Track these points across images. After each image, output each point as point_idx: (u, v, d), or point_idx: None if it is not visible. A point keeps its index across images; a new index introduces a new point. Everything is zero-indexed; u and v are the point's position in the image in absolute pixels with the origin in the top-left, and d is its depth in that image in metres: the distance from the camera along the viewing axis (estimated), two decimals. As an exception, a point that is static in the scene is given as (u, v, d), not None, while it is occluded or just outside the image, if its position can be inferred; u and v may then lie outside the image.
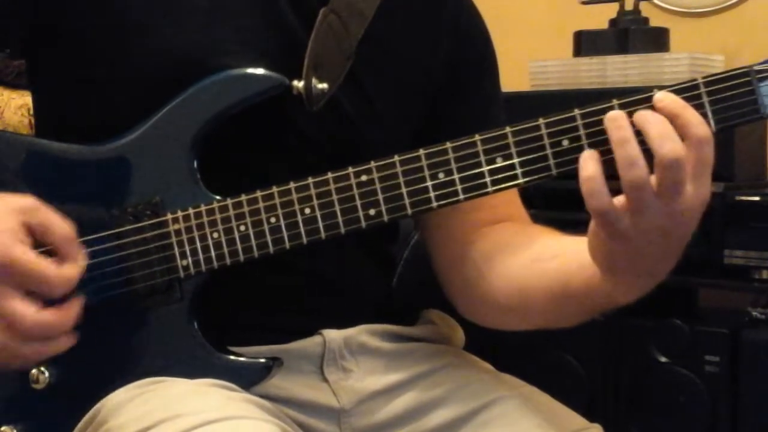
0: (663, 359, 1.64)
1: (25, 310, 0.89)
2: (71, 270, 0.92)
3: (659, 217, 0.85)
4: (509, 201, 1.13)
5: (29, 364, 0.96)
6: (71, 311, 0.93)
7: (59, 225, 0.93)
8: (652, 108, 0.87)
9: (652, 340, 1.65)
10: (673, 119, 0.86)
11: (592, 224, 0.89)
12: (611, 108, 0.89)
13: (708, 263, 1.59)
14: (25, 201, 0.92)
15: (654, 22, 1.92)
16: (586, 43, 1.90)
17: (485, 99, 1.17)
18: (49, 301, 0.91)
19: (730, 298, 1.77)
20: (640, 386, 1.66)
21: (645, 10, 1.92)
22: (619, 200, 0.86)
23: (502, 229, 1.11)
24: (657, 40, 1.86)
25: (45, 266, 0.90)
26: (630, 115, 0.87)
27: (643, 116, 0.86)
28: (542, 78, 1.90)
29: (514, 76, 1.75)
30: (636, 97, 0.89)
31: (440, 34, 1.13)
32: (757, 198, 1.57)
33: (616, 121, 0.87)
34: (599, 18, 1.93)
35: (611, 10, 1.91)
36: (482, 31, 1.18)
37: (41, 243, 0.92)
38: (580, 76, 1.84)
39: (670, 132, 0.85)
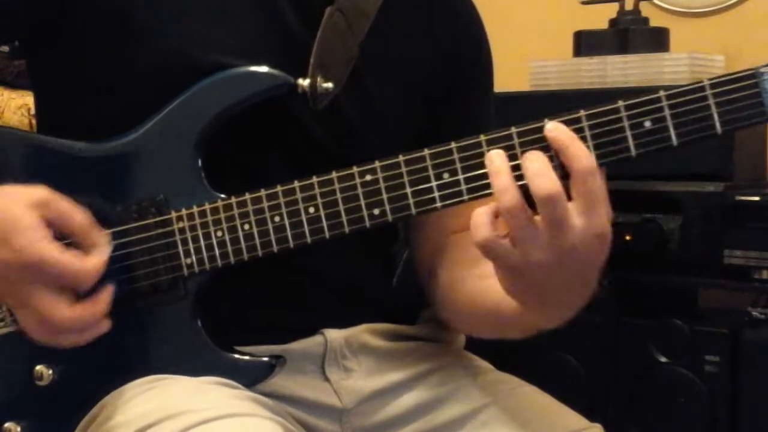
0: (663, 359, 1.64)
1: (56, 308, 0.91)
2: (94, 260, 0.94)
3: (549, 252, 0.86)
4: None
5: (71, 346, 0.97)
6: (101, 302, 0.94)
7: (76, 214, 0.94)
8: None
9: (652, 340, 1.65)
10: (559, 152, 0.87)
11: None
12: (617, 110, 0.89)
13: (708, 263, 1.59)
14: (39, 193, 0.93)
15: (654, 22, 1.92)
16: (586, 43, 1.89)
17: (482, 100, 1.18)
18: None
19: (730, 298, 1.78)
20: (640, 386, 1.66)
21: (645, 10, 1.92)
22: (503, 232, 0.87)
23: (464, 237, 1.11)
24: (657, 40, 1.86)
25: (70, 262, 0.91)
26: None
27: (525, 155, 0.88)
28: (542, 78, 1.90)
29: (514, 76, 1.76)
30: (643, 98, 0.89)
31: (438, 34, 1.13)
32: (757, 198, 1.57)
33: (490, 157, 0.89)
34: (599, 18, 1.93)
35: (611, 10, 1.91)
36: (480, 33, 1.19)
37: (62, 234, 0.93)
38: (580, 76, 1.84)
39: (544, 169, 0.86)
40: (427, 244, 1.15)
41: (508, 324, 0.98)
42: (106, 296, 0.95)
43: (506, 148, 0.92)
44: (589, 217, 0.85)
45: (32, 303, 0.91)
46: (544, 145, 0.89)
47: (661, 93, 0.89)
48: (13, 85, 2.13)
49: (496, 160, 0.88)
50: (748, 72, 0.88)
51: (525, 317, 0.93)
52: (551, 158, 0.88)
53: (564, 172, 0.87)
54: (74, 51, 1.04)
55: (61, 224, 0.93)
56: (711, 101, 0.88)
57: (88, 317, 0.93)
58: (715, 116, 0.88)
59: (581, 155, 0.86)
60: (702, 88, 0.88)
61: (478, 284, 1.02)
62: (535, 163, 0.87)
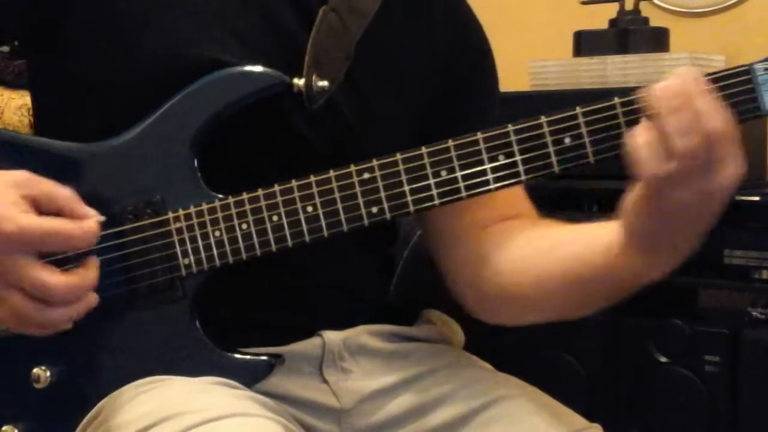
0: (663, 359, 1.64)
1: (51, 276, 0.88)
2: (91, 222, 0.91)
3: (696, 193, 0.85)
4: (517, 198, 1.12)
5: (57, 329, 0.93)
6: (93, 268, 0.92)
7: (60, 189, 0.92)
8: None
9: (652, 340, 1.65)
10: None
11: (634, 200, 0.88)
12: (612, 107, 0.89)
13: (708, 263, 1.59)
14: (20, 174, 0.91)
15: (654, 22, 1.92)
16: (586, 43, 1.90)
17: (488, 97, 1.18)
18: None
19: (730, 298, 1.77)
20: (640, 386, 1.66)
21: (645, 10, 1.92)
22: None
23: (512, 224, 1.10)
24: (657, 40, 1.87)
25: (61, 223, 0.89)
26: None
27: (688, 93, 0.85)
28: (542, 78, 1.90)
29: (514, 76, 1.75)
30: (638, 96, 0.89)
31: (439, 35, 1.13)
32: (757, 198, 1.57)
33: (665, 90, 0.85)
34: (599, 18, 1.93)
35: (611, 10, 1.92)
36: (480, 31, 1.19)
37: (47, 212, 0.91)
38: (580, 76, 1.84)
39: (721, 108, 0.85)
40: (461, 242, 1.12)
41: (595, 285, 0.97)
42: (95, 262, 0.92)
43: (503, 146, 0.92)
44: (736, 162, 0.85)
45: (23, 276, 0.88)
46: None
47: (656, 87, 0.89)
48: (13, 85, 2.13)
49: (671, 94, 0.84)
50: (742, 68, 0.89)
51: (628, 268, 0.92)
52: None
53: None
54: (71, 51, 1.04)
55: (46, 202, 0.91)
56: None
57: (81, 283, 0.90)
58: None
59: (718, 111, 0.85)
60: None
61: (555, 254, 1.01)
62: (706, 101, 0.84)
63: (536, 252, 1.04)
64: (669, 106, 0.84)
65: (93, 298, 0.93)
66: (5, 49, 1.99)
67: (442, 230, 1.14)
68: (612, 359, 1.70)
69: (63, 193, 0.92)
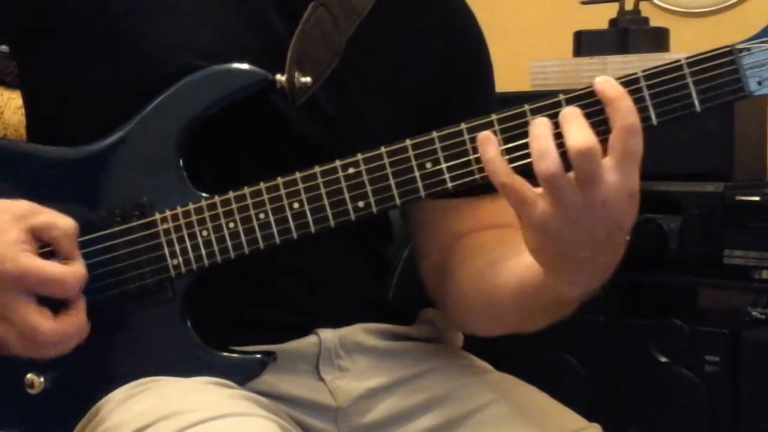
0: (663, 359, 1.64)
1: (43, 322, 0.90)
2: (81, 267, 0.93)
3: (579, 208, 0.85)
4: (495, 208, 1.11)
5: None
6: (80, 311, 0.94)
7: (60, 219, 0.93)
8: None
9: (652, 340, 1.65)
10: (606, 104, 0.87)
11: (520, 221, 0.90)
12: (592, 93, 0.89)
13: (708, 263, 1.59)
14: (22, 204, 0.93)
15: (654, 22, 1.92)
16: (586, 43, 1.89)
17: (486, 97, 1.17)
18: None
19: (730, 298, 1.77)
20: (640, 386, 1.66)
21: (645, 10, 1.92)
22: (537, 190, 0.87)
23: (478, 236, 1.11)
24: (657, 40, 1.86)
25: (57, 268, 0.91)
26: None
27: (563, 114, 0.87)
28: (542, 78, 1.90)
29: (514, 76, 1.75)
30: (585, 90, 0.90)
31: (434, 36, 1.13)
32: (757, 198, 1.57)
33: (533, 123, 0.88)
34: (599, 18, 1.93)
35: (611, 10, 1.91)
36: (477, 30, 1.19)
37: (44, 243, 0.93)
38: (580, 76, 1.84)
39: (582, 125, 0.86)
40: (436, 251, 1.14)
41: (532, 301, 0.97)
42: (83, 304, 0.94)
43: None
44: (622, 174, 0.85)
45: (16, 316, 0.90)
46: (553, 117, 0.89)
47: (639, 73, 0.89)
48: (13, 85, 2.12)
49: (537, 125, 0.88)
50: (724, 49, 0.89)
51: (548, 287, 0.93)
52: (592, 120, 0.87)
53: (601, 131, 0.87)
54: (68, 53, 1.04)
55: (45, 231, 0.92)
56: (689, 79, 0.88)
57: (72, 328, 0.92)
58: (694, 94, 0.88)
59: (627, 112, 0.86)
60: (680, 67, 0.89)
61: (495, 269, 1.02)
62: (572, 120, 0.86)
63: (483, 266, 1.04)
64: (532, 134, 0.87)
65: (84, 334, 0.94)
66: (5, 49, 1.98)
67: (418, 237, 1.16)
68: (612, 359, 1.70)
69: (62, 225, 0.93)
